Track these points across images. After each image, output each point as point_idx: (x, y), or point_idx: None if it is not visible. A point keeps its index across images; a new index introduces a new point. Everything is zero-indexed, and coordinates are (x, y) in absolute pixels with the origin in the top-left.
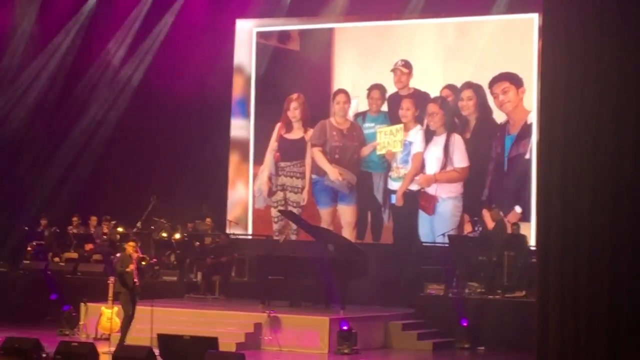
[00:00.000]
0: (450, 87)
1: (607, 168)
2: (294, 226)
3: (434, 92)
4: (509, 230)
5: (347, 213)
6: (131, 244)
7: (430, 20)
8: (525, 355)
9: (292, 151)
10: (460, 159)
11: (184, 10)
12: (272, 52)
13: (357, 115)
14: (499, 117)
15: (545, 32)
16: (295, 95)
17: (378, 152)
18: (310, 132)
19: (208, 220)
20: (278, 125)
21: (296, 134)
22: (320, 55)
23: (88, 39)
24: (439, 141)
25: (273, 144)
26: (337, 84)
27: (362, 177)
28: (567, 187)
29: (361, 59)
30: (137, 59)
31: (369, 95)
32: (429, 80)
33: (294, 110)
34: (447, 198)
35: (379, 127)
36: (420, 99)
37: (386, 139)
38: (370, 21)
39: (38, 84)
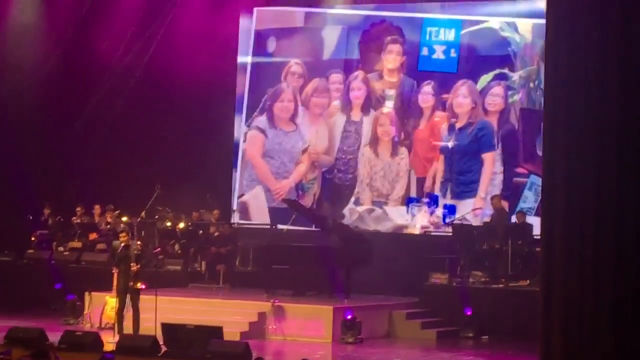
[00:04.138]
0: None
1: (612, 158)
2: None
3: None
4: (515, 220)
5: None
6: (123, 233)
7: None
8: (529, 344)
9: None
10: None
11: None
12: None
13: None
14: None
15: (548, 30)
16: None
17: None
18: None
19: (215, 211)
20: None
21: None
22: None
23: (92, 26)
24: None
25: None
26: None
27: None
28: (571, 176)
29: None
30: (141, 46)
31: None
32: None
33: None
34: None
35: None
36: None
37: None
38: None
39: (42, 73)
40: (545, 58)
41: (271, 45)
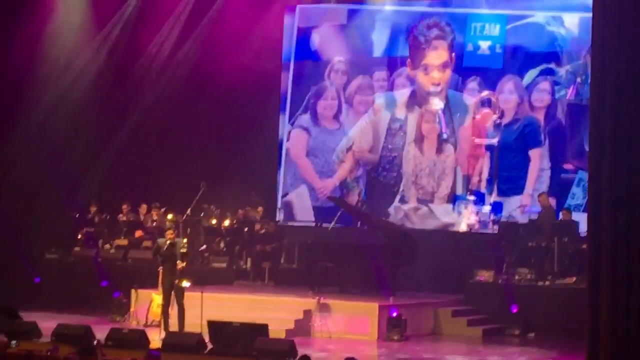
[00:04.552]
0: None
1: None
2: None
3: None
4: (561, 217)
5: None
6: (169, 231)
7: None
8: (576, 342)
9: None
10: None
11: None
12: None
13: None
14: None
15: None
16: None
17: None
18: None
19: (260, 208)
20: None
21: None
22: None
23: (138, 26)
24: None
25: None
26: None
27: None
28: (617, 173)
29: None
30: (188, 45)
31: None
32: None
33: None
34: None
35: None
36: None
37: None
38: None
39: (89, 73)
40: (592, 54)
41: (314, 42)
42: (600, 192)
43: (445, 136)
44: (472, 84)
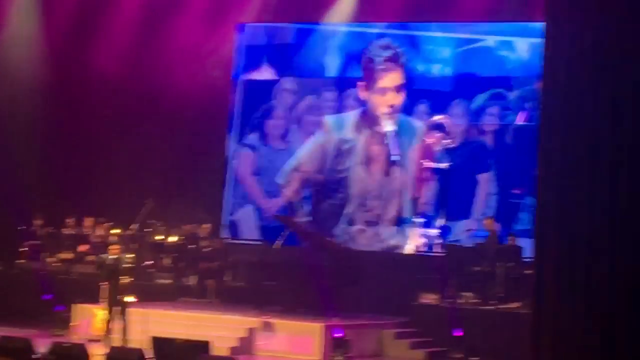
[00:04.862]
0: None
1: (605, 180)
2: None
3: None
4: (508, 242)
5: None
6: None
7: None
8: None
9: None
10: None
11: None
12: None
13: None
14: None
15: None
16: None
17: None
18: None
19: (206, 225)
20: None
21: None
22: None
23: (88, 40)
24: None
25: None
26: None
27: None
28: (564, 198)
29: None
30: (135, 60)
31: None
32: None
33: None
34: None
35: None
36: None
37: None
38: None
39: (37, 86)
40: (542, 80)
41: (264, 61)
42: (546, 217)
43: (396, 158)
44: (422, 107)
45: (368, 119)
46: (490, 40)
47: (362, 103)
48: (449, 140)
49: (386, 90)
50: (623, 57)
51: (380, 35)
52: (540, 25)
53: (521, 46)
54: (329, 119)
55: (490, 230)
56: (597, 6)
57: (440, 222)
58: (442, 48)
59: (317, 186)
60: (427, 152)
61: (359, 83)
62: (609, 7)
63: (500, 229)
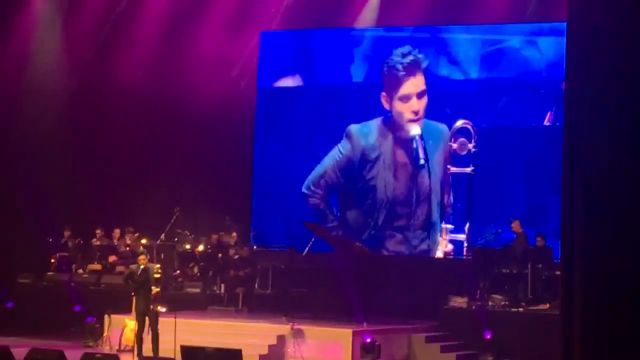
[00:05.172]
0: None
1: (630, 176)
2: None
3: None
4: (537, 243)
5: None
6: (142, 256)
7: None
8: None
9: None
10: None
11: (206, 22)
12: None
13: None
14: None
15: (569, 46)
16: None
17: None
18: None
19: (234, 233)
20: None
21: None
22: None
23: (113, 52)
24: None
25: None
26: None
27: None
28: (589, 197)
29: None
30: (160, 71)
31: None
32: None
33: None
34: None
35: None
36: None
37: None
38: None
39: (63, 98)
40: (566, 79)
41: (288, 69)
42: (574, 218)
43: (422, 162)
44: (446, 111)
45: (392, 126)
46: (515, 41)
47: (387, 109)
48: (472, 144)
49: (409, 97)
50: None
51: (404, 40)
52: (564, 24)
53: (546, 46)
54: (353, 128)
55: (517, 232)
56: (619, 3)
57: (467, 225)
58: (466, 50)
59: (344, 194)
60: (454, 157)
61: (382, 93)
62: (632, 3)
63: (528, 230)
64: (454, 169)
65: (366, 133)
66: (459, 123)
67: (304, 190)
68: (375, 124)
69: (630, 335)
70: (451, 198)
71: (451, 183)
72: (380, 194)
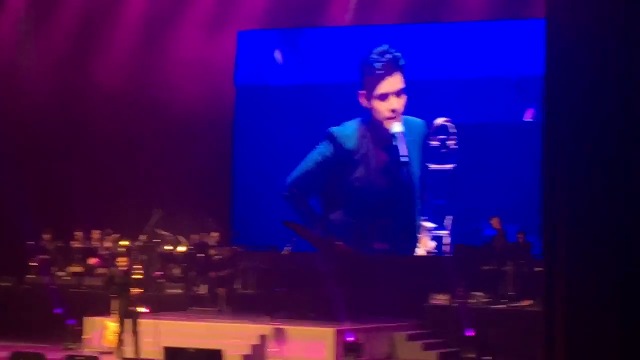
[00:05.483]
0: None
1: (610, 173)
2: None
3: None
4: (518, 240)
5: None
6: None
7: None
8: None
9: None
10: None
11: (184, 23)
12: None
13: None
14: None
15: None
16: None
17: None
18: None
19: (215, 234)
20: None
21: None
22: None
23: (91, 52)
24: None
25: None
26: None
27: None
28: (570, 193)
29: None
30: (138, 71)
31: None
32: None
33: None
34: None
35: None
36: None
37: None
38: None
39: (40, 99)
40: (545, 76)
41: (267, 68)
42: (555, 214)
43: (404, 159)
44: (424, 108)
45: (372, 125)
46: (493, 39)
47: (366, 109)
48: (452, 142)
49: (387, 95)
50: (627, 50)
51: (382, 39)
52: (542, 20)
53: (525, 43)
54: (334, 130)
55: (497, 228)
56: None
57: (448, 223)
58: (444, 48)
59: (325, 194)
60: (432, 154)
61: (360, 92)
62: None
63: (510, 227)
64: (434, 166)
65: (348, 135)
66: (439, 120)
67: (285, 192)
68: (355, 124)
69: (612, 331)
70: (432, 195)
71: (432, 180)
72: (361, 193)
